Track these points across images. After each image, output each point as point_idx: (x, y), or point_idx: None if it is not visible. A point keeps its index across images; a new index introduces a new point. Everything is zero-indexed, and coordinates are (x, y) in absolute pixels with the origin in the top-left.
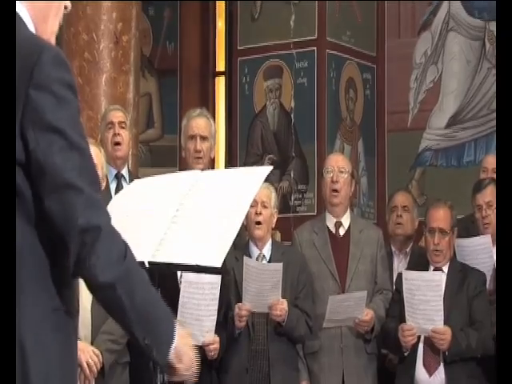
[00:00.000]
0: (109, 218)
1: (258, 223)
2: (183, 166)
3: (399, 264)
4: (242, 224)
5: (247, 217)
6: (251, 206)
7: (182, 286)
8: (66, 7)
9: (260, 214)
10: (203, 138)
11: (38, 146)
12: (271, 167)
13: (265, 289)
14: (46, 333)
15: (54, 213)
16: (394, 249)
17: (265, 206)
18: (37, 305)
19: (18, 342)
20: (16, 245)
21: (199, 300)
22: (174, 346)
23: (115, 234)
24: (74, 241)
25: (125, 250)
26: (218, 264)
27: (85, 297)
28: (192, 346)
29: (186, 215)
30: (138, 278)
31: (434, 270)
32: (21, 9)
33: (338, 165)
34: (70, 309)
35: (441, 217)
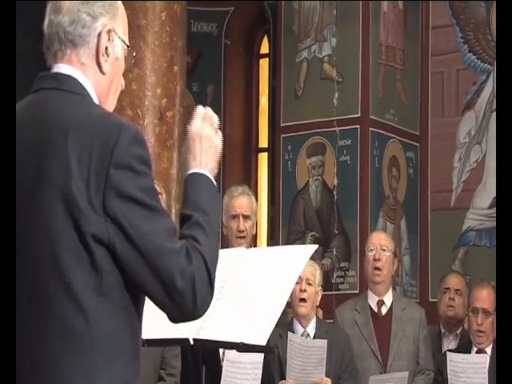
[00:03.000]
0: (192, 259)
1: (303, 300)
2: (225, 242)
3: (448, 346)
4: (287, 302)
5: (291, 294)
6: (296, 283)
7: (223, 365)
8: (122, 85)
9: (305, 291)
10: (246, 217)
11: (126, 219)
12: (316, 246)
13: (309, 366)
14: None
15: (152, 280)
16: (443, 330)
17: (309, 284)
18: (112, 378)
19: None
20: (92, 319)
21: (241, 380)
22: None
23: (202, 266)
24: (174, 301)
25: (206, 269)
26: (263, 342)
27: None
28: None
29: (230, 292)
30: (213, 273)
31: (476, 352)
32: (88, 85)
33: (380, 243)
34: (137, 383)
35: (484, 297)
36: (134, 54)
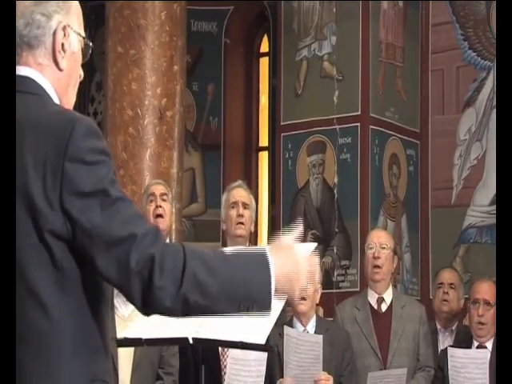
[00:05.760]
0: (162, 242)
1: (302, 298)
2: (226, 240)
3: (444, 341)
4: (286, 300)
5: None
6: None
7: (228, 363)
8: (80, 75)
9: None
10: (245, 205)
11: (82, 214)
12: (315, 244)
13: (306, 362)
14: None
15: (110, 271)
16: (439, 326)
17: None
18: (76, 375)
19: None
20: (54, 317)
21: (245, 377)
22: (273, 285)
23: (170, 252)
24: (135, 284)
25: (183, 258)
26: (262, 341)
27: (125, 371)
28: (294, 263)
29: None
30: (204, 274)
31: (477, 347)
32: (46, 84)
33: (379, 241)
34: (107, 379)
35: (486, 289)
36: (91, 44)
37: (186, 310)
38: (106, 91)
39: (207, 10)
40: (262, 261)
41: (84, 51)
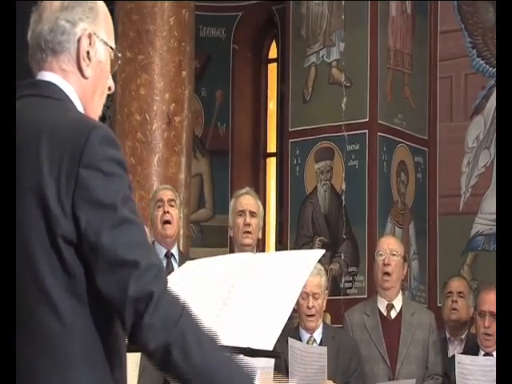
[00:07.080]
0: (164, 284)
1: (311, 316)
2: (234, 246)
3: (454, 351)
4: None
5: (299, 308)
6: (303, 299)
7: None
8: (109, 88)
9: (312, 307)
10: (252, 214)
11: (90, 225)
12: (323, 251)
13: (310, 372)
14: None
15: (108, 291)
16: (448, 335)
17: (316, 298)
18: (88, 379)
19: None
20: (66, 320)
21: None
22: None
23: (170, 299)
24: (128, 313)
25: (180, 312)
26: (270, 347)
27: (132, 374)
28: None
29: (237, 297)
30: (194, 339)
31: (484, 355)
32: (70, 91)
33: (389, 247)
34: None
35: (492, 300)
36: (120, 54)
37: (165, 364)
38: (114, 96)
39: (216, 15)
40: (248, 377)
41: (113, 62)
